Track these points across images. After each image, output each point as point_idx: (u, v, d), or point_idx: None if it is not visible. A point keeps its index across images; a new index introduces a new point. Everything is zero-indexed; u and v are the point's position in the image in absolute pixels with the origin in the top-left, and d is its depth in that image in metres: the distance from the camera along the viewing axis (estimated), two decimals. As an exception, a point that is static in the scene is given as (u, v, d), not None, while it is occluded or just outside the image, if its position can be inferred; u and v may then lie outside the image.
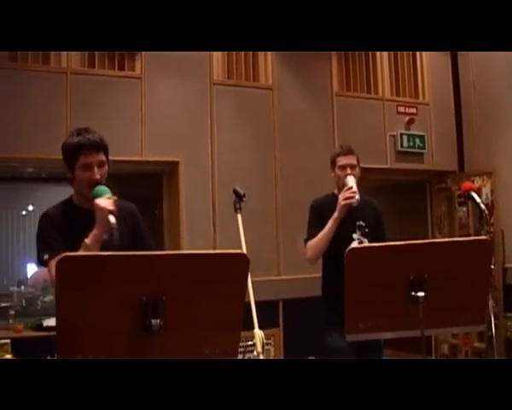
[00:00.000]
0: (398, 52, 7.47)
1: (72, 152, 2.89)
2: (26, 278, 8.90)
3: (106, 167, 2.95)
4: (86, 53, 5.82)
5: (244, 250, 2.86)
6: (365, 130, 7.03)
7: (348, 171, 4.10)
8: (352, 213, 4.04)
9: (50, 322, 5.26)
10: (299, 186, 6.59)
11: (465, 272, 2.61)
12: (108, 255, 2.05)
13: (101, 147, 2.93)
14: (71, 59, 5.75)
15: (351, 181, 4.01)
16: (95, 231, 2.76)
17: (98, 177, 2.87)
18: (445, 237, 7.46)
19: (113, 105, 5.92)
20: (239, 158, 6.42)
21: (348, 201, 3.93)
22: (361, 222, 4.14)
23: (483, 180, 7.05)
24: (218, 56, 6.49)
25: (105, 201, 2.77)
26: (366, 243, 4.02)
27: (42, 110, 5.58)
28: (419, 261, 2.58)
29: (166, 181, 6.46)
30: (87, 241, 2.73)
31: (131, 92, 6.03)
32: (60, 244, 2.78)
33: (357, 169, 4.16)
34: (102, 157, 2.93)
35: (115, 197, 2.85)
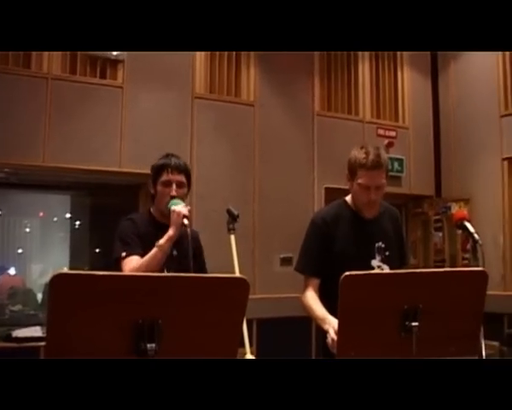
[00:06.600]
0: (380, 74, 7.52)
1: (158, 170, 3.23)
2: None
3: (185, 189, 3.26)
4: (68, 59, 5.71)
5: (237, 272, 2.80)
6: (345, 150, 6.94)
7: (372, 195, 3.31)
8: (369, 230, 3.33)
9: (20, 333, 5.11)
10: (278, 203, 6.56)
11: (460, 302, 2.57)
12: (104, 275, 1.96)
13: (183, 170, 3.25)
14: (52, 64, 5.63)
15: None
16: (170, 233, 3.04)
17: (175, 194, 3.16)
18: (419, 261, 7.50)
19: (93, 113, 5.82)
20: (218, 172, 6.37)
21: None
22: (380, 243, 3.30)
23: (460, 206, 7.07)
24: (200, 70, 6.44)
25: (181, 207, 3.07)
26: (387, 270, 3.21)
27: (20, 115, 5.45)
28: (414, 291, 2.52)
29: (144, 193, 6.34)
30: (161, 241, 3.02)
31: (112, 101, 5.94)
32: (138, 247, 3.09)
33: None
34: (183, 179, 3.24)
35: (189, 207, 3.16)
